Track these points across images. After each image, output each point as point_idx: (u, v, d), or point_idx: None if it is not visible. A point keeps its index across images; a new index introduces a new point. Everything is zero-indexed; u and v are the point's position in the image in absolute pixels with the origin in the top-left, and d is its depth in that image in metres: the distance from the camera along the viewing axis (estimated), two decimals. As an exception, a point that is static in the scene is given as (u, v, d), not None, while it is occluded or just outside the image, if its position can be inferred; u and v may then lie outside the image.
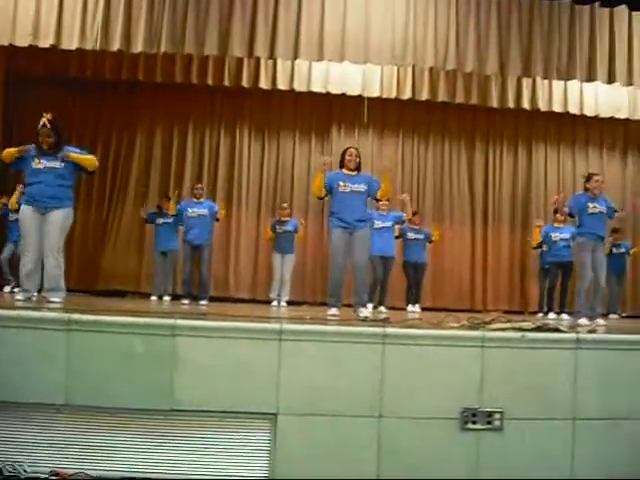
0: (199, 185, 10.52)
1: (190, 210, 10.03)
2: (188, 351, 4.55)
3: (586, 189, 7.87)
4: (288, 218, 10.84)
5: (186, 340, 4.56)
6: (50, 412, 4.47)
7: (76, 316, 4.57)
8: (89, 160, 6.34)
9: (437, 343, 4.77)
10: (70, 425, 4.48)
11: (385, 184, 7.00)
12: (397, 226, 10.23)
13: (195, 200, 10.16)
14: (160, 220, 10.53)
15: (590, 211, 7.67)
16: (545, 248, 10.56)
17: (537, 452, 4.73)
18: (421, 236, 10.78)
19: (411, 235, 10.63)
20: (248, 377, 4.56)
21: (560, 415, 4.81)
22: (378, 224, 9.74)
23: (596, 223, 7.68)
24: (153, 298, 10.24)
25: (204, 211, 10.03)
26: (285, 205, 11.17)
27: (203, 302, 9.64)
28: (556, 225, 10.33)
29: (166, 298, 10.24)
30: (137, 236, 11.77)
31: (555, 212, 10.05)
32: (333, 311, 6.71)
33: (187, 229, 10.02)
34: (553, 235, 10.28)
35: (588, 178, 7.94)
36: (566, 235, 10.06)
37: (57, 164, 6.13)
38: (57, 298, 6.00)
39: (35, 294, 6.17)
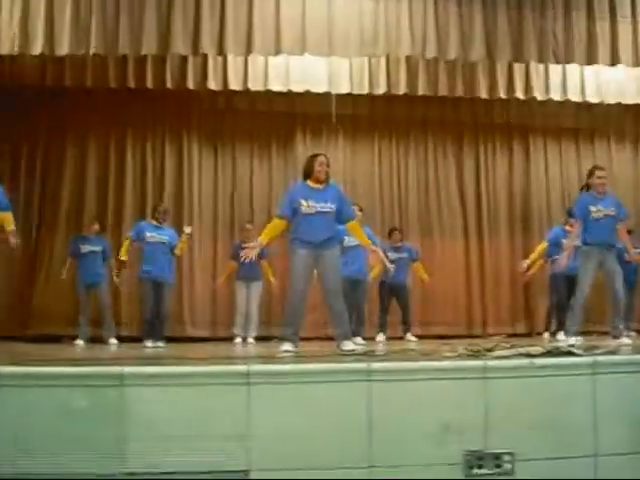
0: (165, 207, 10.13)
1: (149, 234, 9.57)
2: (140, 403, 4.52)
3: (588, 187, 7.86)
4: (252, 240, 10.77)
5: (137, 390, 4.53)
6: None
7: (2, 369, 4.53)
8: None
9: (432, 377, 4.79)
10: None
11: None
12: None
13: (155, 223, 9.73)
14: (85, 247, 10.46)
15: (594, 215, 7.64)
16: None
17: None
18: (404, 254, 10.84)
19: (392, 255, 10.57)
20: (212, 430, 4.53)
21: (580, 452, 4.83)
22: (348, 242, 9.21)
23: (602, 228, 7.63)
24: (79, 342, 10.20)
25: (165, 238, 9.65)
26: (249, 226, 11.13)
27: (159, 344, 9.43)
28: (568, 229, 10.03)
29: (113, 341, 10.19)
30: (73, 269, 11.64)
31: (569, 214, 9.94)
32: (286, 346, 6.56)
33: (145, 258, 9.60)
34: (565, 242, 9.87)
35: (590, 173, 7.91)
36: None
37: None
38: None
39: None
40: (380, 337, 10.65)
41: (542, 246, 10.81)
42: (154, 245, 9.52)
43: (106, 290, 10.58)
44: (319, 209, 6.68)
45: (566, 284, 10.03)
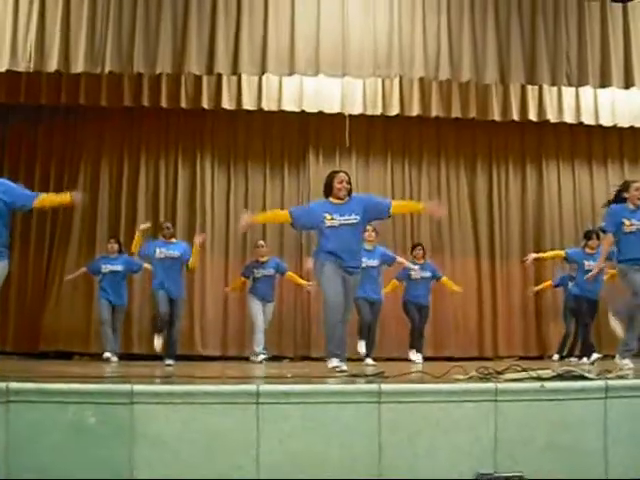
0: (168, 224, 9.86)
1: (158, 250, 9.32)
2: (149, 421, 4.52)
3: (622, 200, 7.32)
4: (267, 258, 10.76)
5: (146, 408, 4.53)
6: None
7: (15, 385, 4.54)
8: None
9: (442, 399, 4.77)
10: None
11: None
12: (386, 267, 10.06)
13: (165, 240, 9.46)
14: (106, 267, 10.44)
15: (627, 229, 7.15)
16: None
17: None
18: (428, 273, 10.61)
19: (415, 274, 10.45)
20: (221, 449, 4.52)
21: (590, 476, 4.79)
22: (365, 262, 8.90)
23: (636, 243, 7.11)
24: (112, 357, 10.04)
25: (176, 253, 9.37)
26: (262, 243, 11.02)
27: (170, 362, 9.09)
28: (588, 252, 9.79)
29: (114, 359, 10.02)
30: (84, 288, 11.67)
31: (587, 236, 9.86)
32: (334, 363, 6.46)
33: (156, 275, 9.37)
34: (586, 263, 9.63)
35: (625, 187, 7.37)
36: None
37: None
38: None
39: None
40: (417, 357, 10.42)
41: (559, 253, 10.60)
42: (163, 260, 9.26)
43: (123, 312, 10.65)
44: (343, 222, 6.64)
45: (587, 307, 9.83)
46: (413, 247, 10.97)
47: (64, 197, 6.62)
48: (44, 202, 6.38)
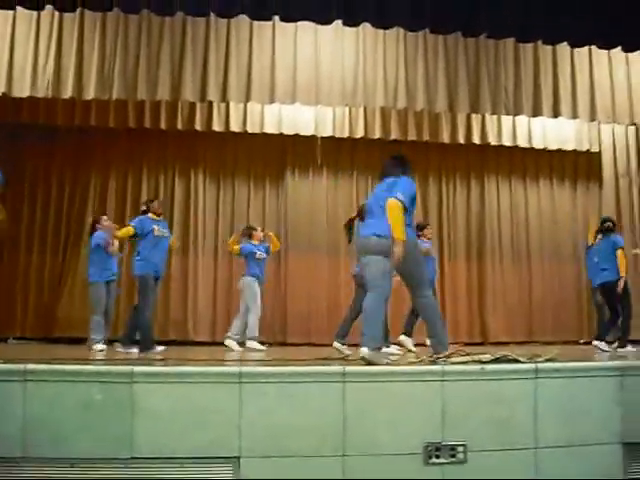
0: (157, 200, 8.76)
1: (156, 227, 8.13)
2: (147, 398, 4.49)
3: None
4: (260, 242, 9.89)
5: (145, 387, 4.50)
6: (9, 465, 4.36)
7: (31, 366, 4.50)
8: None
9: (397, 379, 4.78)
10: (29, 478, 4.37)
11: None
12: None
13: (156, 217, 8.28)
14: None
15: None
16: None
17: (501, 483, 4.74)
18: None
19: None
20: (209, 421, 4.50)
21: (522, 445, 4.82)
22: None
23: None
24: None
25: (167, 233, 8.35)
26: (258, 228, 10.25)
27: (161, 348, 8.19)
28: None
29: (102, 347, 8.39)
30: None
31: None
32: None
33: (152, 253, 8.02)
34: None
35: None
36: None
37: None
38: None
39: None
40: (408, 341, 8.94)
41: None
42: (159, 239, 8.15)
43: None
44: None
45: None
46: (423, 227, 9.58)
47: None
48: None
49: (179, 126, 11.49)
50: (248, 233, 9.96)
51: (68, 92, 9.44)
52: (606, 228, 8.87)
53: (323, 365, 5.05)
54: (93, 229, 9.08)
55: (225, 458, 4.50)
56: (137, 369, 4.58)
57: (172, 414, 4.48)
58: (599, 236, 8.99)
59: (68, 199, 11.91)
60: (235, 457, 4.50)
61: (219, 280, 11.90)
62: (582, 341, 11.89)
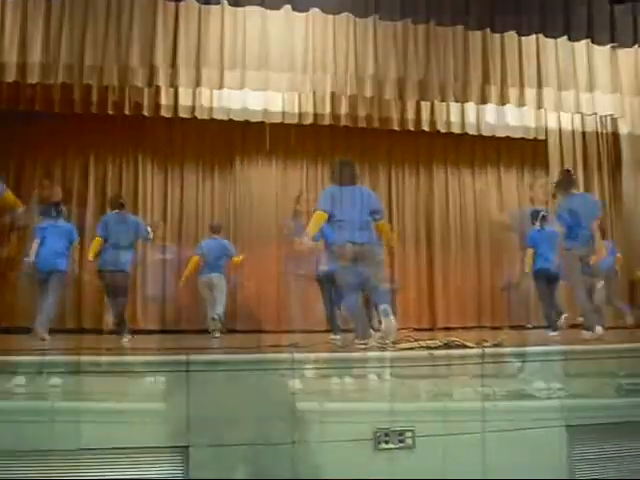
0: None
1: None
2: (95, 388, 4.43)
3: None
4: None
5: (93, 377, 4.44)
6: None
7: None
8: None
9: (346, 366, 4.79)
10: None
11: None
12: None
13: (118, 212, 8.31)
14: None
15: None
16: None
17: (448, 465, 4.78)
18: None
19: None
20: (157, 411, 4.46)
21: (470, 429, 4.88)
22: None
23: None
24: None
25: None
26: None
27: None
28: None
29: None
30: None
31: None
32: None
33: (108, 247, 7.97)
34: None
35: None
36: None
37: None
38: None
39: None
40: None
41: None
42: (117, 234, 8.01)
43: None
44: None
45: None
46: None
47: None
48: None
49: (126, 111, 11.29)
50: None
51: (12, 76, 9.22)
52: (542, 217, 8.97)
53: (270, 354, 5.04)
54: None
55: (174, 447, 4.46)
56: (84, 359, 4.52)
57: (120, 404, 4.45)
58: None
59: (14, 188, 11.59)
60: (184, 446, 4.46)
61: (168, 266, 11.76)
62: (530, 326, 12.07)
